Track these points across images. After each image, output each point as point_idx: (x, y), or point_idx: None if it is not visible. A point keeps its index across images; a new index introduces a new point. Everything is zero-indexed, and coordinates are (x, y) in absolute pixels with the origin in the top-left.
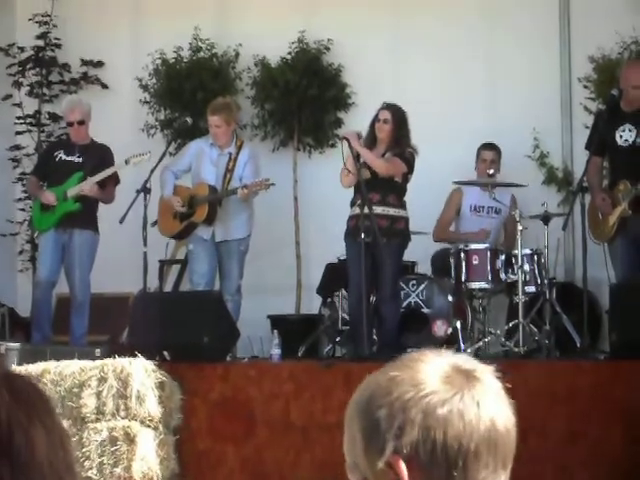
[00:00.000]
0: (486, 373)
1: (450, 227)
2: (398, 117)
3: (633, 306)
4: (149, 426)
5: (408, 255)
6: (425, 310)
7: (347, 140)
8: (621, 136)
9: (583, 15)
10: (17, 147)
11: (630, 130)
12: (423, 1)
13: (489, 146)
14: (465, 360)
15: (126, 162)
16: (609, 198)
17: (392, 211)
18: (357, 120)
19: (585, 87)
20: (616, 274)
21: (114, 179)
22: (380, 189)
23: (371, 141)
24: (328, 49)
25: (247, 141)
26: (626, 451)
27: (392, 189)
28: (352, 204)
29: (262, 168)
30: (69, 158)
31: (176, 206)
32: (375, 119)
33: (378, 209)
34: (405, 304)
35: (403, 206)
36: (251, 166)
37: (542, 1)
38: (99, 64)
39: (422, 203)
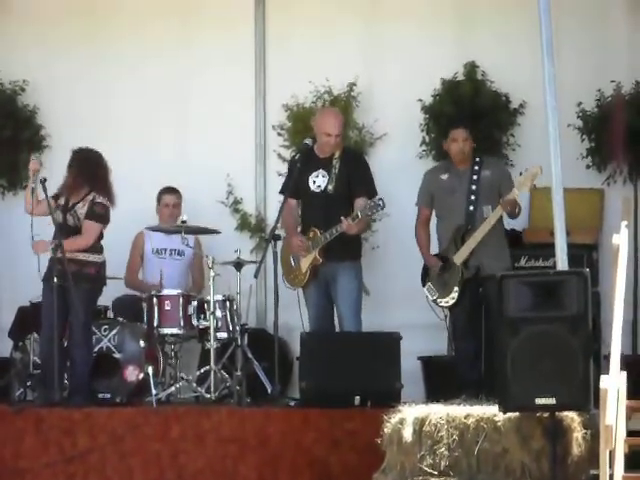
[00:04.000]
0: None
1: (140, 271)
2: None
3: (323, 354)
4: None
5: (102, 300)
6: (117, 355)
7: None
8: (314, 181)
9: (279, 63)
10: None
11: (323, 176)
12: (119, 36)
13: (171, 190)
14: None
15: None
16: (305, 242)
17: (81, 256)
18: (51, 162)
19: (279, 135)
20: (310, 320)
21: None
22: (73, 234)
23: None
24: (23, 90)
25: None
26: None
27: None
28: None
29: None
30: None
31: None
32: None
33: (68, 253)
34: (97, 349)
35: (96, 251)
36: None
37: (239, 48)
38: None
39: (117, 248)
